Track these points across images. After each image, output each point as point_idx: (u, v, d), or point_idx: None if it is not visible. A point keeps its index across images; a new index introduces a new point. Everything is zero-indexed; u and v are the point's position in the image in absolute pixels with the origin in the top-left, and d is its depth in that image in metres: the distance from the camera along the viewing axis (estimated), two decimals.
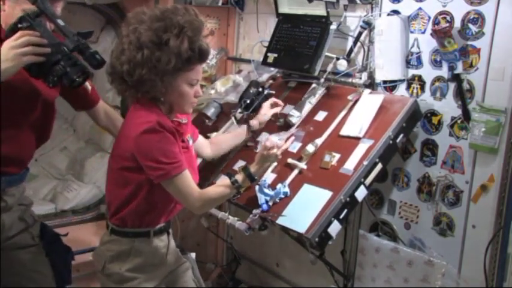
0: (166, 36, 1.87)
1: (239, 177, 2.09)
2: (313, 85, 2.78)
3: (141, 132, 1.90)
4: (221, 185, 2.10)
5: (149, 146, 1.91)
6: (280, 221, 2.26)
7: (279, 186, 2.35)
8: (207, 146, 2.47)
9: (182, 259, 2.32)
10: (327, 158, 2.39)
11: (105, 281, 2.11)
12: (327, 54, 2.77)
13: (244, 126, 2.61)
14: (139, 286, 2.06)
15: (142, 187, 2.01)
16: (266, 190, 2.35)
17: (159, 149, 1.90)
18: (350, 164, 2.31)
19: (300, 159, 2.46)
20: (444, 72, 2.39)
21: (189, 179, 1.97)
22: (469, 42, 2.29)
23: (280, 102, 2.67)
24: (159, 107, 2.00)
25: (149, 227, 2.09)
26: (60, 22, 1.94)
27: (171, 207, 2.14)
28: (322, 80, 2.76)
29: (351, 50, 2.73)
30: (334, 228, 2.19)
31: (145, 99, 1.99)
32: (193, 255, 2.57)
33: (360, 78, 2.72)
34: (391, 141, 2.35)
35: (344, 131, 2.48)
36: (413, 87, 2.54)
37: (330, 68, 2.71)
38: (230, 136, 2.63)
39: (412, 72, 2.54)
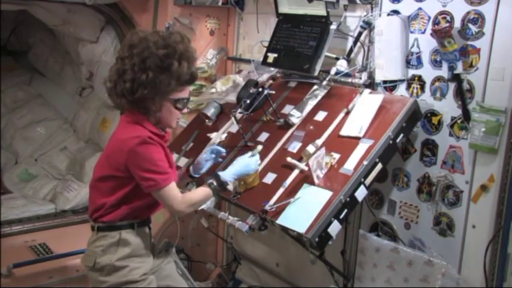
0: (169, 61, 2.10)
1: (213, 180, 2.27)
2: (315, 87, 2.78)
3: (135, 145, 2.10)
4: (200, 188, 2.28)
5: (142, 158, 2.10)
6: (280, 221, 2.26)
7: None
8: None
9: (164, 254, 2.52)
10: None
11: (97, 277, 2.24)
12: (327, 54, 2.77)
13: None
14: (129, 273, 2.21)
15: (130, 195, 2.20)
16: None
17: (151, 160, 2.11)
18: (350, 164, 2.31)
19: (300, 159, 2.46)
20: (444, 72, 2.39)
21: (174, 189, 2.18)
22: (469, 42, 2.29)
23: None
24: (148, 118, 2.19)
25: (134, 220, 2.26)
26: None
27: (155, 208, 2.32)
28: (324, 83, 2.76)
29: (351, 50, 2.74)
30: (334, 228, 2.20)
31: (137, 111, 2.18)
32: (173, 249, 2.69)
33: (360, 78, 2.72)
34: (391, 141, 2.35)
35: (344, 131, 2.48)
36: (413, 87, 2.54)
37: (333, 71, 2.70)
38: None
39: (412, 72, 2.54)
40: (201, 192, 2.25)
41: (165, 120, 2.23)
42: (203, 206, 2.51)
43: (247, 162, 2.34)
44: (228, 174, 2.28)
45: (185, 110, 2.27)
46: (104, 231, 2.24)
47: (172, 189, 2.16)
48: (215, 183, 2.24)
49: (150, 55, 2.10)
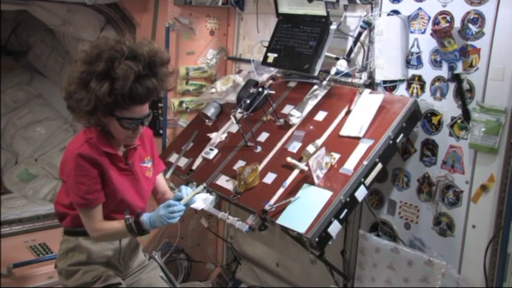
0: (90, 79, 1.95)
1: (132, 217, 2.11)
2: (315, 87, 2.78)
3: (64, 158, 2.11)
4: (118, 221, 2.14)
5: (68, 173, 2.09)
6: (280, 221, 2.26)
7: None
8: (157, 191, 2.42)
9: (145, 261, 2.44)
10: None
11: (61, 280, 2.28)
12: (327, 54, 2.77)
13: None
14: (83, 277, 2.19)
15: None
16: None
17: (73, 179, 2.07)
18: (350, 164, 2.31)
19: (300, 159, 2.46)
20: (444, 72, 2.39)
21: (91, 215, 2.10)
22: (469, 42, 2.29)
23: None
24: (100, 131, 2.10)
25: None
26: None
27: (112, 216, 2.18)
28: (324, 83, 2.76)
29: (351, 50, 2.73)
30: (334, 228, 2.20)
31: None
32: (158, 254, 2.63)
33: (360, 78, 2.72)
34: (391, 141, 2.35)
35: (344, 131, 2.48)
36: (413, 87, 2.54)
37: (333, 71, 2.71)
38: None
39: (412, 72, 2.54)
40: (113, 227, 2.13)
41: (116, 136, 2.10)
42: (203, 206, 2.50)
43: (163, 221, 2.04)
44: (146, 218, 2.07)
45: (140, 129, 2.09)
46: (66, 235, 2.25)
47: (88, 213, 2.09)
48: (131, 220, 2.09)
49: (76, 69, 1.99)
